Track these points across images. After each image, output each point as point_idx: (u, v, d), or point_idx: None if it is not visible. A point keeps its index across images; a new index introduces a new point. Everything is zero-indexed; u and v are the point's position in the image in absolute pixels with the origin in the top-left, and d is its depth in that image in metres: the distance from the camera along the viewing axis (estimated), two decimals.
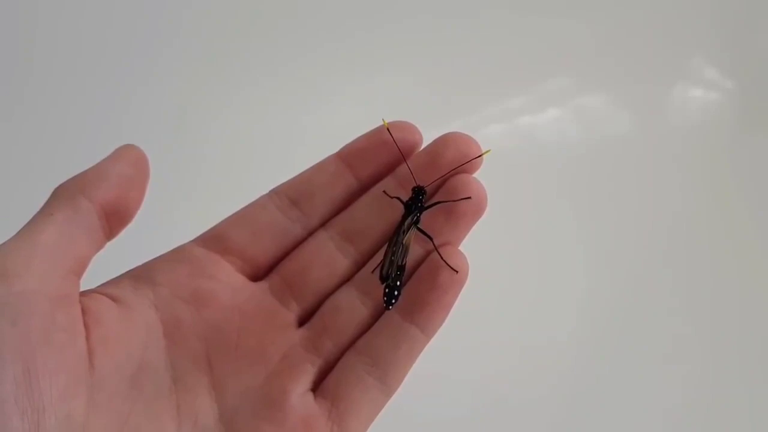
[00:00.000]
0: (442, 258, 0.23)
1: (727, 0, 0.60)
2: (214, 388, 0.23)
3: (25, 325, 0.18)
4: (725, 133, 0.57)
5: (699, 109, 0.58)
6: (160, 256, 0.24)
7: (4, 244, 0.20)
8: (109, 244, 0.44)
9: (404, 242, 0.23)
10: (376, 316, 0.24)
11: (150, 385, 0.21)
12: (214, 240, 0.24)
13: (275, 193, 0.24)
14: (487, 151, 0.24)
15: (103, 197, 0.21)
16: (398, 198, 0.24)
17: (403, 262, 0.23)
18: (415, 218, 0.24)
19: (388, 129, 0.23)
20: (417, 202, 0.23)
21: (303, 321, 0.24)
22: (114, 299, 0.22)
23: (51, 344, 0.19)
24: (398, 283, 0.23)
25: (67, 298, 0.20)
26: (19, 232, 0.20)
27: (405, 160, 0.24)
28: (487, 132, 0.53)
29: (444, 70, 0.53)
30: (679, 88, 0.58)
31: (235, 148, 0.47)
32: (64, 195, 0.21)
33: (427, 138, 0.25)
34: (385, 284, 0.23)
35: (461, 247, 0.24)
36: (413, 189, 0.24)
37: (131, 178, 0.22)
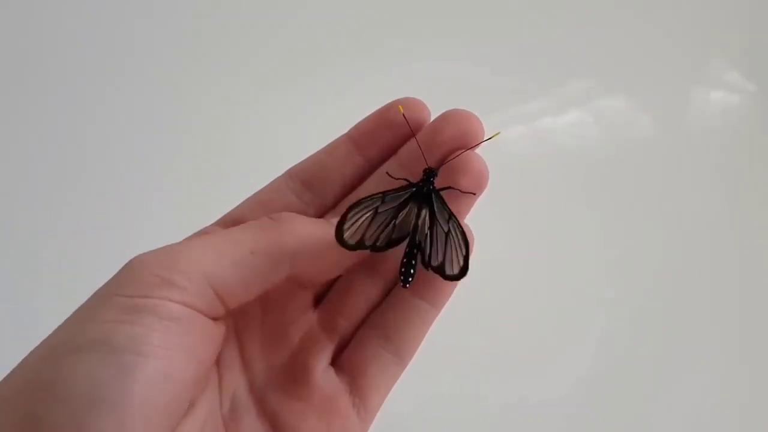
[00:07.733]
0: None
1: (748, 3, 0.59)
2: (244, 365, 0.24)
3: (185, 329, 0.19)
4: (745, 135, 0.57)
5: (719, 111, 0.57)
6: (186, 239, 0.24)
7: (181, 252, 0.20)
8: (131, 230, 0.45)
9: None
10: (385, 293, 0.25)
11: None
12: (234, 222, 0.25)
13: (289, 176, 0.25)
14: (496, 134, 0.24)
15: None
16: (406, 179, 0.24)
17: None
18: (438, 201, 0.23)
19: (403, 115, 0.23)
20: (429, 184, 0.23)
21: (317, 301, 0.25)
22: None
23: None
24: (413, 262, 0.23)
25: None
26: (194, 244, 0.21)
27: (417, 142, 0.24)
28: (507, 134, 0.53)
29: (464, 72, 0.54)
30: (699, 91, 0.58)
31: (252, 139, 0.49)
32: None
33: None
34: (401, 264, 0.23)
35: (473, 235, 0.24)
36: (425, 171, 0.24)
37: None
